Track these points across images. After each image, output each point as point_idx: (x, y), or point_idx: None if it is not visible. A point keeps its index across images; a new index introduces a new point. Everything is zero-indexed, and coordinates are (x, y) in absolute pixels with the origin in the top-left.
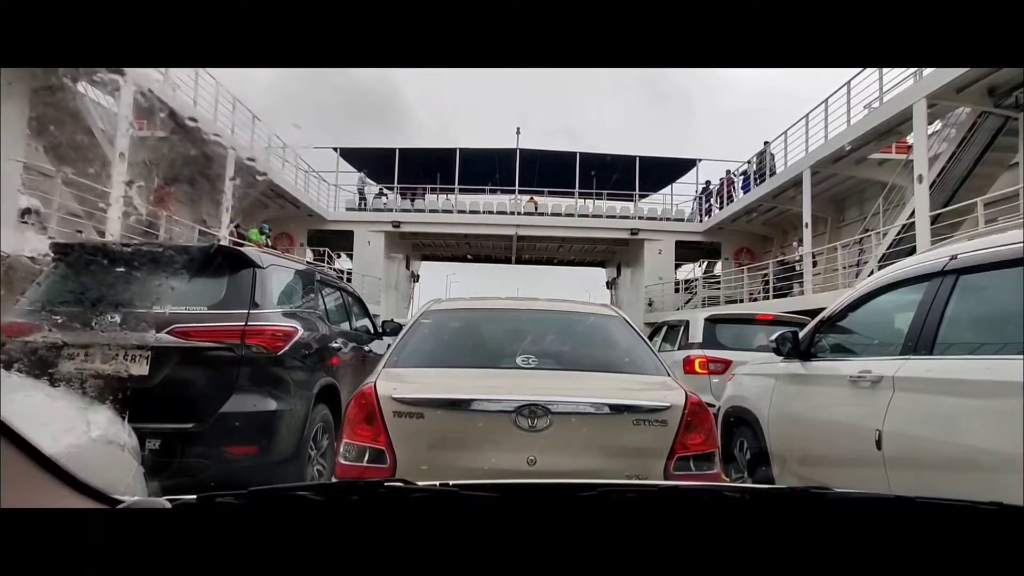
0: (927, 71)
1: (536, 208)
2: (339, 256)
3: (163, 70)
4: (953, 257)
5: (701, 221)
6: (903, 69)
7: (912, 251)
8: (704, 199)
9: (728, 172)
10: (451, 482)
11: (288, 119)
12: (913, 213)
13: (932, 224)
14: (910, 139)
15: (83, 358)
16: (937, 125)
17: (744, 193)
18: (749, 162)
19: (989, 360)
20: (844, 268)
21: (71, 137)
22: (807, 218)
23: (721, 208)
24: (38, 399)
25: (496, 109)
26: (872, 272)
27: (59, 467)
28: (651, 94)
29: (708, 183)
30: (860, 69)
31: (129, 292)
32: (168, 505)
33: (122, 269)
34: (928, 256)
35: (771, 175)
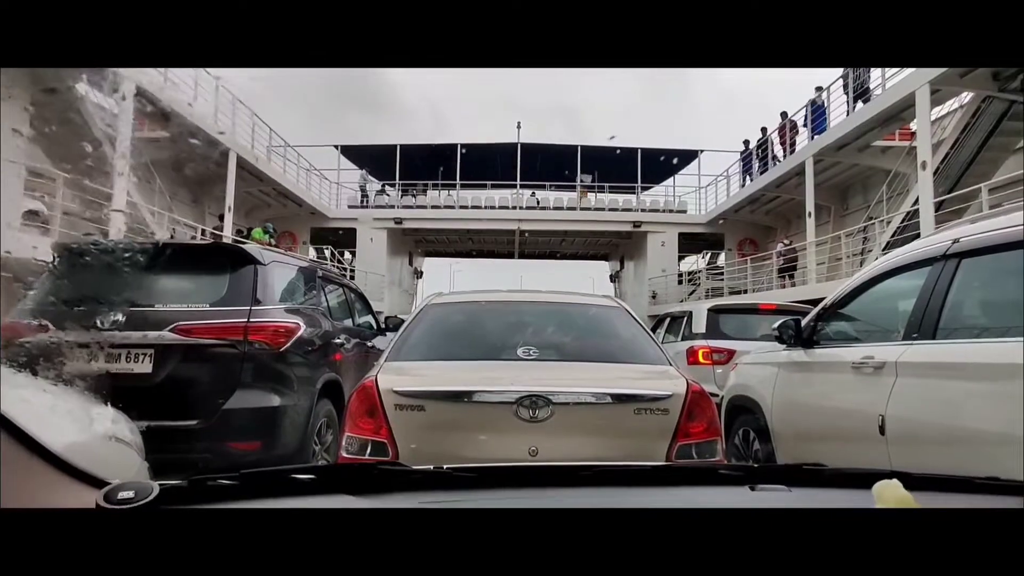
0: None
1: (580, 202)
2: (342, 257)
3: (162, 69)
4: (955, 241)
5: (743, 186)
6: None
7: (916, 239)
8: (750, 157)
9: (783, 115)
10: (444, 465)
11: (284, 114)
12: (917, 200)
13: (936, 211)
14: (913, 126)
15: (87, 357)
16: (943, 109)
17: (817, 135)
18: (819, 90)
19: (991, 344)
20: (848, 256)
21: (72, 138)
22: (810, 207)
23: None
24: (41, 397)
25: (495, 100)
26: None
27: (49, 452)
28: (649, 83)
29: (747, 142)
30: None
31: (132, 290)
32: (156, 489)
33: (124, 268)
34: (930, 240)
35: (864, 102)
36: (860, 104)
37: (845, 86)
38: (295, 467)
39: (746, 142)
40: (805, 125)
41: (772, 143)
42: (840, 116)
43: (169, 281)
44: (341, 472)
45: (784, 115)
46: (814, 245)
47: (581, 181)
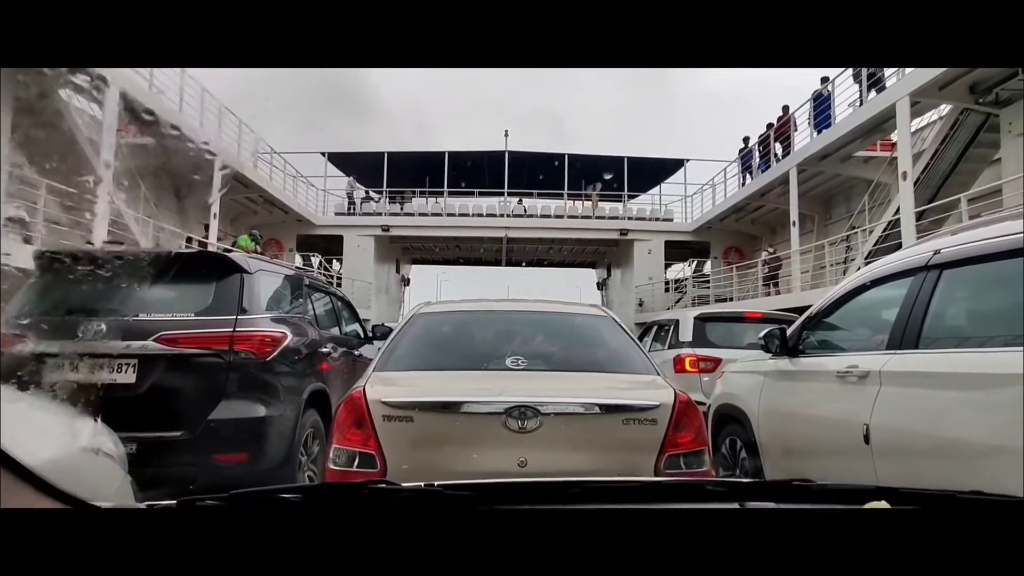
0: (909, 68)
1: (594, 210)
2: (330, 265)
3: (148, 74)
4: (936, 252)
5: (743, 185)
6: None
7: (898, 248)
8: (750, 154)
9: (785, 108)
10: (435, 483)
11: (271, 120)
12: (898, 210)
13: (917, 221)
14: (894, 137)
15: (69, 368)
16: (922, 121)
17: (820, 129)
18: (824, 81)
19: (973, 353)
20: (831, 265)
21: (55, 145)
22: (794, 216)
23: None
24: (22, 409)
25: (483, 106)
26: (859, 269)
27: (31, 473)
28: (640, 87)
29: (747, 139)
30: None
31: (115, 300)
32: (145, 509)
33: (108, 277)
34: (912, 251)
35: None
36: (873, 93)
37: (855, 75)
38: (284, 487)
39: (746, 139)
40: (813, 118)
41: (772, 141)
42: (849, 110)
43: (153, 290)
44: (330, 491)
45: (786, 109)
46: (798, 254)
47: (593, 188)
